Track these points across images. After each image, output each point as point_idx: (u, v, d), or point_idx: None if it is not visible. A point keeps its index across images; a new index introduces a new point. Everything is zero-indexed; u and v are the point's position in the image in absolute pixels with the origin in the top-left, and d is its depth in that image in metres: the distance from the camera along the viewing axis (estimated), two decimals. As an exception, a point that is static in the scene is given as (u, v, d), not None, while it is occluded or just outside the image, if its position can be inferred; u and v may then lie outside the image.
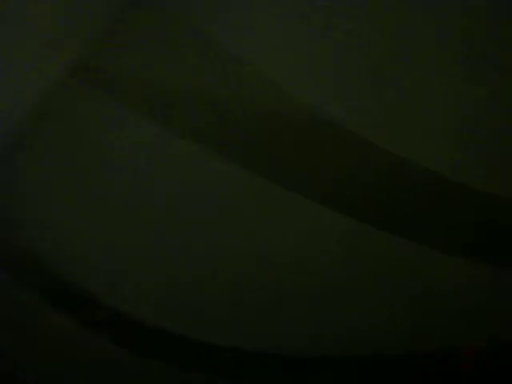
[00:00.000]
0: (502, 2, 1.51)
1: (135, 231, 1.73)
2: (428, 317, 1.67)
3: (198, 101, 1.65)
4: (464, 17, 1.53)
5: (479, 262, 1.63)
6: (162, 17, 1.64)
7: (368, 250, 1.66)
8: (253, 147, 1.67)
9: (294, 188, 1.66)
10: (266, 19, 1.60)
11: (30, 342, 1.80)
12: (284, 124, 1.64)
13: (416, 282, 1.67)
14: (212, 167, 1.67)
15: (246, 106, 1.64)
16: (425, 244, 1.64)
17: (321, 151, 1.64)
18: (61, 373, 1.80)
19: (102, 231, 1.74)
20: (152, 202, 1.71)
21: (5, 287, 1.78)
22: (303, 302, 1.70)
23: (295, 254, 1.69)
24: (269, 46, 1.61)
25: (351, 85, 1.60)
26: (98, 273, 1.76)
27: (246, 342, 1.72)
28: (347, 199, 1.65)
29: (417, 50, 1.57)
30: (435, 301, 1.67)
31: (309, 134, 1.64)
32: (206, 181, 1.69)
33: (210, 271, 1.72)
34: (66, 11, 1.61)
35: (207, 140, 1.67)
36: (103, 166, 1.72)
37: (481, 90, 1.56)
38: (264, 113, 1.64)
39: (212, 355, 1.75)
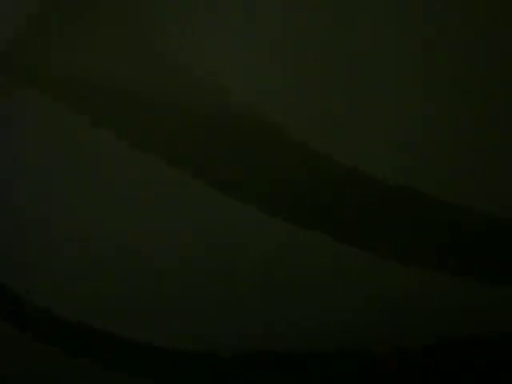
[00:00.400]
0: None
1: (72, 233, 1.74)
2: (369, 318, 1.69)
3: (133, 101, 1.65)
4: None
5: (421, 265, 1.64)
6: (101, 14, 1.63)
7: (314, 252, 1.67)
8: (189, 148, 1.66)
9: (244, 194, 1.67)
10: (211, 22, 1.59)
11: None
12: (222, 126, 1.64)
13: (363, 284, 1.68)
14: (146, 169, 1.68)
15: (184, 107, 1.64)
16: (370, 247, 1.65)
17: (259, 154, 1.64)
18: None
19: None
20: (86, 204, 1.72)
21: None
22: (256, 299, 1.71)
23: (243, 251, 1.70)
24: (210, 49, 1.61)
25: (295, 88, 1.60)
26: (35, 274, 1.77)
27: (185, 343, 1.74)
28: (308, 204, 1.66)
29: (365, 53, 1.56)
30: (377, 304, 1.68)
31: (247, 136, 1.64)
32: (142, 182, 1.69)
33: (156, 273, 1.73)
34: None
35: (141, 141, 1.67)
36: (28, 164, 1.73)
37: (431, 92, 1.56)
38: (202, 114, 1.63)
39: (157, 358, 1.76)
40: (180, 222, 1.72)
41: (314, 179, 1.63)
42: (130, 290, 1.76)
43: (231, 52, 1.60)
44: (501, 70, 1.53)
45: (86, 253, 1.75)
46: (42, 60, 1.66)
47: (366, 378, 1.71)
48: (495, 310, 1.64)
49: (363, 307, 1.69)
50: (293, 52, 1.58)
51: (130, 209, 1.73)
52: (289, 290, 1.70)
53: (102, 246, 1.75)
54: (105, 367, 1.78)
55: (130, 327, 1.78)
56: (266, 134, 1.62)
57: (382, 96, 1.57)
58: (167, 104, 1.64)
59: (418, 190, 1.60)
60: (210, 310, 1.74)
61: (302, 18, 1.55)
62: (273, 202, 1.66)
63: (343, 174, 1.61)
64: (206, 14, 1.59)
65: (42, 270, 1.78)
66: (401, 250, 1.64)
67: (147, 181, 1.71)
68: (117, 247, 1.74)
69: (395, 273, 1.65)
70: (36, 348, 1.80)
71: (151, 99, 1.64)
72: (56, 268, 1.77)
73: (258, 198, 1.67)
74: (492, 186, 1.58)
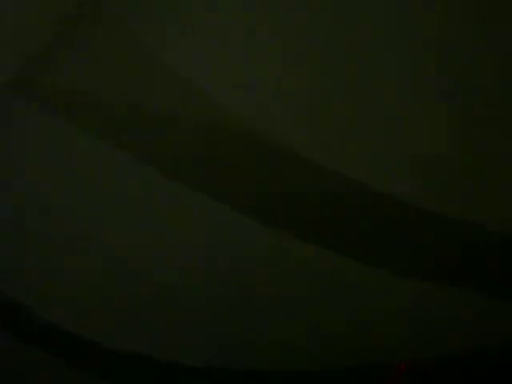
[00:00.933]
0: None
1: (65, 243, 1.74)
2: (362, 332, 1.68)
3: (136, 115, 1.65)
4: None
5: (415, 277, 1.64)
6: (105, 30, 1.63)
7: (300, 263, 1.66)
8: (189, 153, 1.66)
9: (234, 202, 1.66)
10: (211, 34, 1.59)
11: None
12: (220, 138, 1.63)
13: (351, 297, 1.67)
14: (146, 170, 1.68)
15: (183, 120, 1.64)
16: (360, 259, 1.64)
17: (259, 157, 1.64)
18: None
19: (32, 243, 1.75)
20: (83, 215, 1.72)
21: None
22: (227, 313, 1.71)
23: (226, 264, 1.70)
24: (211, 62, 1.61)
25: (296, 102, 1.60)
26: (29, 285, 1.77)
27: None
28: (291, 216, 1.65)
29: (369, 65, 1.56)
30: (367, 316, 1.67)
31: (246, 139, 1.64)
32: (142, 182, 1.69)
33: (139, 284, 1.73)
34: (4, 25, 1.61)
35: (143, 152, 1.67)
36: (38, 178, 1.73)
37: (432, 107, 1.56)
38: (201, 121, 1.63)
39: (144, 367, 1.76)
40: (180, 224, 1.72)
41: (314, 182, 1.63)
42: (130, 291, 1.76)
43: (231, 53, 1.60)
44: (501, 70, 1.53)
45: (86, 253, 1.75)
46: (43, 65, 1.67)
47: None
48: (494, 321, 1.64)
49: (359, 318, 1.68)
50: (293, 52, 1.58)
51: (130, 210, 1.73)
52: (282, 302, 1.70)
53: (101, 247, 1.75)
54: (101, 375, 1.79)
55: (130, 327, 1.78)
56: (266, 137, 1.62)
57: (382, 96, 1.57)
58: (166, 111, 1.64)
59: (418, 191, 1.60)
60: (209, 317, 1.74)
61: (302, 17, 1.55)
62: (272, 209, 1.66)
63: (343, 175, 1.61)
64: (206, 13, 1.59)
65: (42, 271, 1.78)
66: (399, 261, 1.64)
67: (147, 181, 1.71)
68: (117, 248, 1.75)
69: (393, 284, 1.64)
70: (32, 352, 1.80)
71: (151, 108, 1.65)
72: (56, 268, 1.77)
73: (257, 205, 1.67)
74: (492, 185, 1.58)
